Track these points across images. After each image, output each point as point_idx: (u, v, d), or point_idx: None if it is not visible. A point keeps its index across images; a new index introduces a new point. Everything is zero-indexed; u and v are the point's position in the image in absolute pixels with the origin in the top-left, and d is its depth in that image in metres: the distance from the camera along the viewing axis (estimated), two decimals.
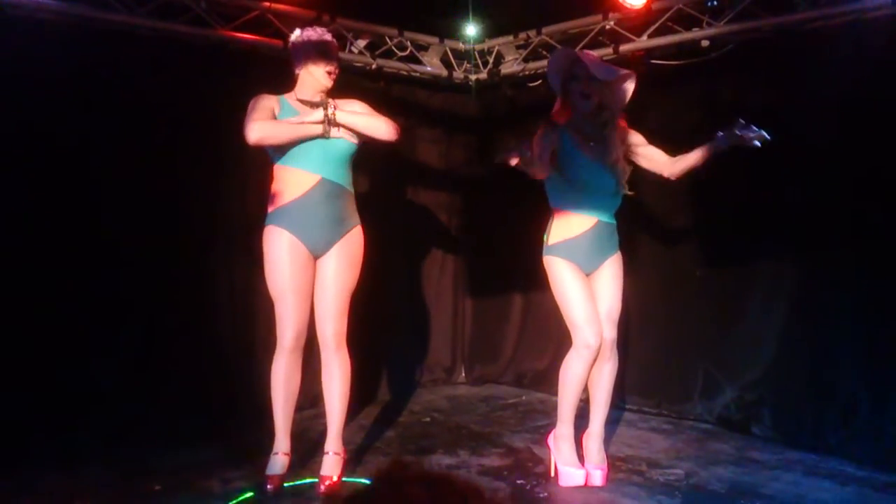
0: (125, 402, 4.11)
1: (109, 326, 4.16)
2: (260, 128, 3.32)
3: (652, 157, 3.65)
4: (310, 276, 3.49)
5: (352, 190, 3.54)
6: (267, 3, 4.51)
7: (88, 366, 4.07)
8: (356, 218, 3.57)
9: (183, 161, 4.35)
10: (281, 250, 3.43)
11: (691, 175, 4.58)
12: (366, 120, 3.50)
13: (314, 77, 3.48)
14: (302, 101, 3.49)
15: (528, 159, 3.30)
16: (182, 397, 4.28)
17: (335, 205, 3.46)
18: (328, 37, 3.55)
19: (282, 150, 3.41)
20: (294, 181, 3.42)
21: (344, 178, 3.49)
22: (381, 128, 3.49)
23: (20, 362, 3.87)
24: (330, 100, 3.44)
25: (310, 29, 3.57)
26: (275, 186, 3.48)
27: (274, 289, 3.49)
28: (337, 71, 3.52)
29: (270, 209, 3.49)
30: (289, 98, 3.53)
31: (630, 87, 3.53)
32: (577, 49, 4.11)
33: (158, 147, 4.26)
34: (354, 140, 3.48)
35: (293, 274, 3.44)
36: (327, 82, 3.49)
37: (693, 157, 3.55)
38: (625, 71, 3.56)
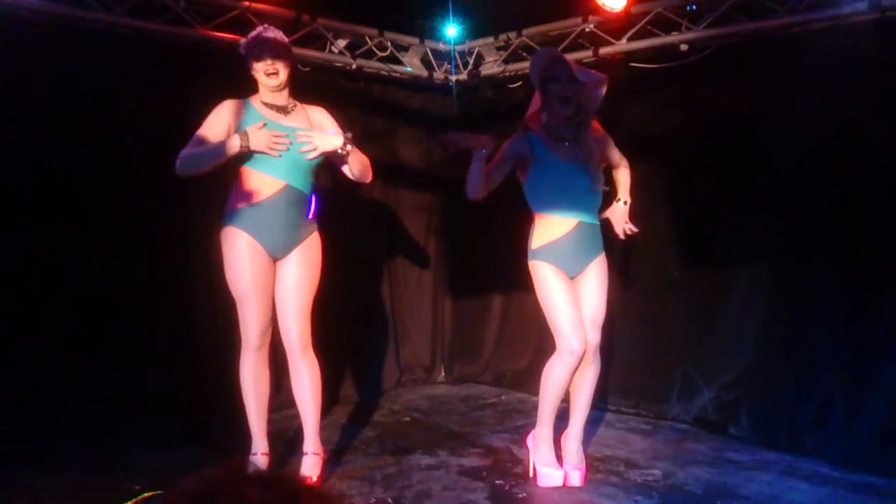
0: (105, 402, 4.08)
1: (90, 327, 4.13)
2: (182, 164, 3.33)
3: (608, 161, 3.76)
4: (270, 278, 3.50)
5: (310, 194, 3.53)
6: (246, 3, 4.49)
7: (69, 367, 4.02)
8: (314, 224, 3.57)
9: (161, 161, 4.29)
10: (241, 251, 3.43)
11: (670, 177, 4.67)
12: (362, 166, 3.57)
13: (258, 79, 3.46)
14: (266, 105, 3.48)
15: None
16: (162, 397, 4.27)
17: (296, 211, 3.46)
18: (270, 34, 3.46)
19: (250, 155, 3.38)
20: (258, 184, 3.41)
21: (308, 185, 3.49)
22: (367, 176, 3.64)
23: (1, 364, 3.84)
24: (349, 134, 3.49)
25: (258, 28, 3.52)
26: (237, 187, 3.45)
27: (235, 289, 3.49)
28: (276, 69, 3.41)
29: (229, 209, 3.47)
30: (254, 101, 3.50)
31: (602, 91, 3.57)
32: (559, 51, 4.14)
33: (137, 146, 4.23)
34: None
35: (253, 275, 3.44)
36: (267, 82, 3.43)
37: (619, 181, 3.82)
38: (599, 74, 3.62)
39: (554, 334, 3.57)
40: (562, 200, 3.57)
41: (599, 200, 3.65)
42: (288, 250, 3.48)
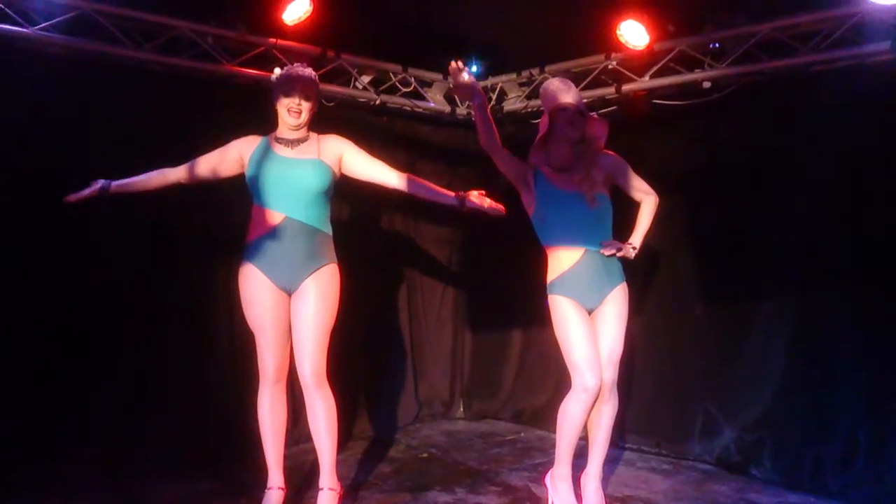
0: (122, 433, 4.10)
1: (107, 357, 4.17)
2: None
3: (630, 191, 3.71)
4: (283, 310, 3.51)
5: (324, 229, 3.53)
6: (273, 40, 4.57)
7: (84, 396, 4.06)
8: (329, 257, 3.55)
9: (187, 194, 4.36)
10: (251, 286, 3.50)
11: (692, 213, 4.65)
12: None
13: (280, 115, 3.51)
14: (278, 139, 3.53)
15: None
16: (179, 429, 4.28)
17: (300, 243, 3.45)
18: (303, 73, 3.52)
19: (255, 190, 3.47)
20: (261, 218, 3.47)
21: (312, 217, 3.48)
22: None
23: (18, 391, 3.88)
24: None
25: (295, 65, 3.58)
26: (250, 223, 3.53)
27: (251, 323, 3.55)
28: (301, 109, 3.47)
29: (246, 243, 3.54)
30: (271, 139, 3.55)
31: (603, 134, 3.57)
32: (580, 87, 4.16)
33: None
34: (324, 181, 3.49)
35: (263, 309, 3.49)
36: (288, 119, 3.48)
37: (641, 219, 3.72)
38: (600, 120, 3.62)
39: (570, 370, 3.55)
40: (565, 230, 3.56)
41: (608, 227, 3.60)
42: (297, 283, 3.47)
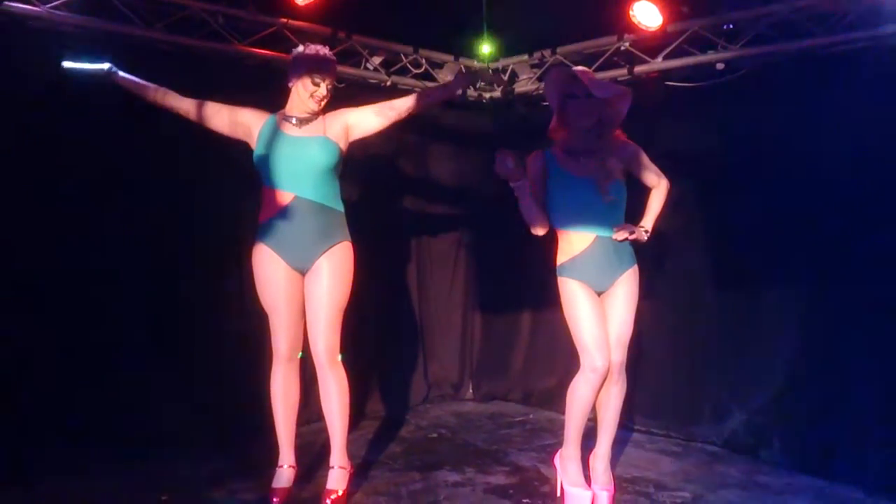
0: (133, 411, 4.13)
1: (119, 336, 4.20)
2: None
3: (643, 181, 3.67)
4: (296, 290, 3.53)
5: (334, 206, 3.53)
6: (284, 20, 4.54)
7: (98, 375, 4.09)
8: (341, 234, 3.55)
9: (197, 173, 4.39)
10: (263, 265, 3.53)
11: (703, 196, 4.63)
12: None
13: (300, 97, 3.50)
14: (286, 118, 3.53)
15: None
16: (191, 407, 4.31)
17: (312, 221, 3.46)
18: (331, 57, 3.55)
19: (264, 170, 3.48)
20: (272, 199, 3.48)
21: (321, 195, 3.48)
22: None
23: (30, 371, 3.92)
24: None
25: (315, 46, 3.57)
26: (261, 203, 3.55)
27: (265, 302, 3.58)
28: (325, 93, 3.49)
29: (259, 224, 3.56)
30: (279, 116, 3.55)
31: (626, 105, 3.54)
32: (592, 69, 4.14)
33: (173, 160, 4.30)
34: (331, 158, 3.48)
35: (277, 288, 3.51)
36: (310, 103, 3.48)
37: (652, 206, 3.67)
38: (622, 88, 3.59)
39: (578, 351, 3.56)
40: (576, 215, 3.55)
41: (620, 214, 3.58)
42: (310, 262, 3.49)
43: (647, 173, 3.65)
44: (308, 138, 3.48)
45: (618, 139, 3.61)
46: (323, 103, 3.51)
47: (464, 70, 3.62)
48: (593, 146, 3.55)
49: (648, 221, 3.64)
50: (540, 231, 3.61)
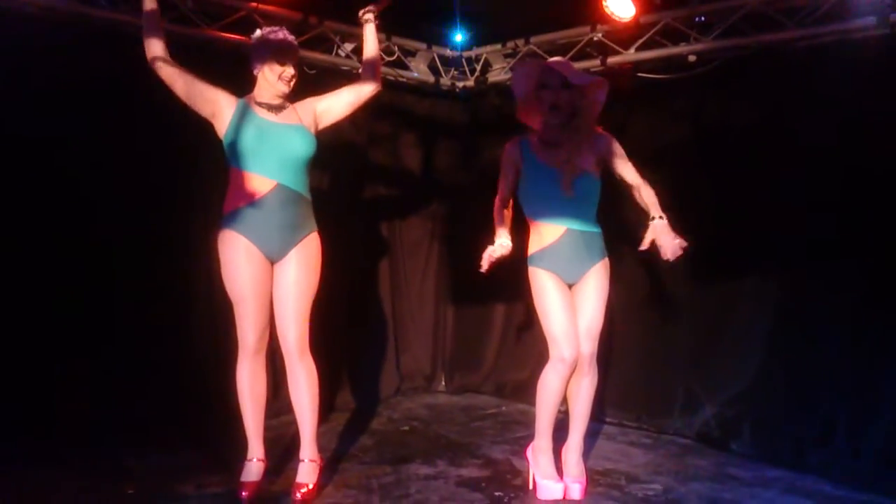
0: (100, 404, 4.06)
1: (87, 328, 4.13)
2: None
3: (621, 177, 3.61)
4: (267, 280, 3.44)
5: (308, 196, 3.49)
6: (254, 4, 4.47)
7: (66, 368, 4.02)
8: (312, 224, 3.51)
9: (164, 159, 4.30)
10: (237, 254, 3.39)
11: (675, 188, 4.60)
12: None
13: (268, 81, 3.43)
14: (260, 104, 3.45)
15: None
16: (158, 401, 4.24)
17: (290, 211, 3.40)
18: (292, 39, 3.49)
19: (240, 155, 3.36)
20: (250, 185, 3.36)
21: (300, 184, 3.43)
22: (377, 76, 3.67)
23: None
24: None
25: (272, 29, 3.50)
26: (231, 188, 3.42)
27: (233, 293, 3.44)
28: (293, 73, 3.44)
29: (226, 211, 3.43)
30: (249, 101, 3.46)
31: (603, 94, 3.51)
32: (566, 59, 4.11)
33: (140, 145, 4.22)
34: (311, 147, 3.44)
35: (251, 278, 3.39)
36: (279, 86, 3.42)
37: (642, 203, 3.57)
38: (597, 77, 3.58)
39: (548, 341, 3.54)
40: (548, 207, 3.52)
41: (590, 209, 3.56)
42: (285, 252, 3.42)
43: (624, 166, 3.59)
44: (288, 126, 3.42)
45: (593, 131, 3.58)
46: (292, 83, 3.44)
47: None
48: (565, 138, 3.51)
49: (656, 210, 3.49)
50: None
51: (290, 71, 3.42)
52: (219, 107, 3.42)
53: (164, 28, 3.48)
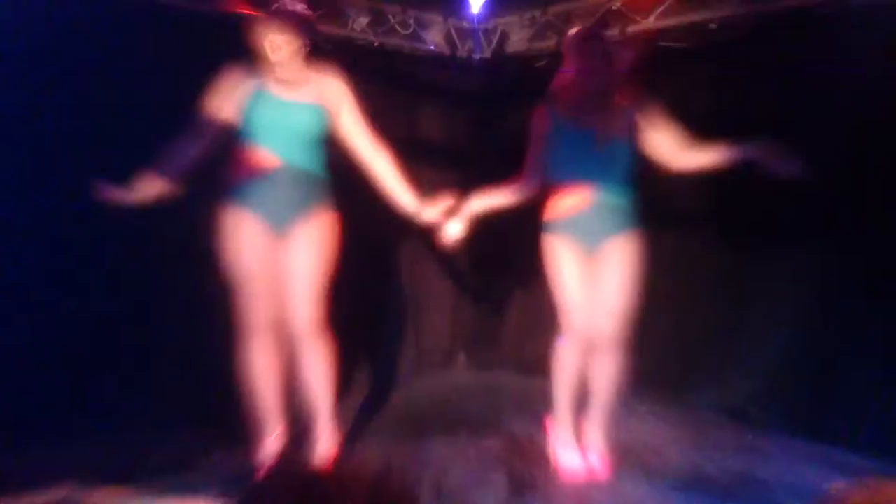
0: (117, 386, 4.07)
1: (101, 310, 4.11)
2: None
3: (658, 144, 3.47)
4: (274, 258, 3.36)
5: (321, 173, 3.41)
6: None
7: (81, 352, 4.02)
8: (325, 202, 3.44)
9: (173, 136, 4.26)
10: (241, 231, 3.32)
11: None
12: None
13: (270, 57, 3.33)
14: (278, 81, 3.35)
15: None
16: (176, 380, 4.23)
17: (300, 188, 3.34)
18: (284, 7, 3.37)
19: (247, 131, 3.31)
20: (255, 162, 3.31)
21: (310, 161, 3.36)
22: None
23: (12, 351, 3.84)
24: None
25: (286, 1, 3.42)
26: (237, 162, 3.36)
27: (238, 271, 3.36)
28: (278, 44, 3.28)
29: (232, 185, 3.36)
30: (268, 79, 3.36)
31: (629, 55, 3.48)
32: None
33: (149, 121, 4.14)
34: (322, 125, 3.37)
35: (254, 256, 3.32)
36: (270, 55, 3.30)
37: (711, 157, 3.43)
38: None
39: (559, 313, 3.50)
40: (573, 169, 3.44)
41: (621, 173, 3.45)
42: (294, 227, 3.35)
43: (660, 143, 3.46)
44: (301, 104, 3.35)
45: (633, 101, 3.49)
46: (280, 53, 3.30)
47: None
48: (601, 103, 3.44)
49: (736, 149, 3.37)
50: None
51: (275, 39, 3.29)
52: (231, 102, 3.35)
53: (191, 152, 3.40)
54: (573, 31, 3.57)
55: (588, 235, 3.45)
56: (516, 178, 3.60)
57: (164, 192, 3.32)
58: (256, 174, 3.31)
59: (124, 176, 3.39)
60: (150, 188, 3.33)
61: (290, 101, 3.35)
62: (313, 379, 3.47)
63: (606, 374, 3.52)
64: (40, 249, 3.98)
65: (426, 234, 5.47)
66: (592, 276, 3.48)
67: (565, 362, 3.51)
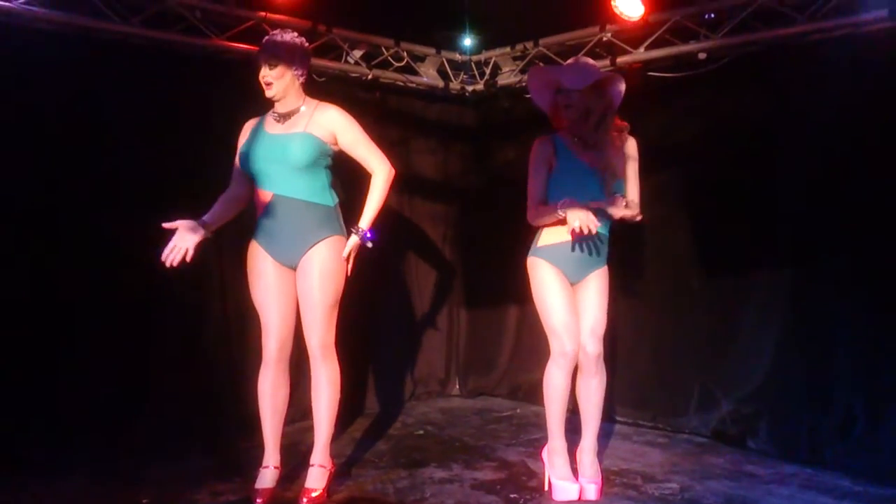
0: (114, 412, 4.07)
1: (102, 334, 4.13)
2: None
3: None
4: (286, 288, 3.49)
5: (319, 201, 3.44)
6: (263, 13, 4.49)
7: (78, 376, 4.03)
8: (330, 228, 3.47)
9: (175, 171, 4.31)
10: (254, 262, 3.51)
11: (687, 186, 4.62)
12: (379, 200, 3.52)
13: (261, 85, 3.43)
14: (272, 115, 3.48)
15: None
16: (172, 408, 4.24)
17: (295, 218, 3.40)
18: (271, 38, 3.42)
19: (247, 171, 3.46)
20: (257, 197, 3.47)
21: (302, 191, 3.40)
22: (387, 185, 3.55)
23: (9, 371, 3.84)
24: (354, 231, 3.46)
25: (276, 32, 3.48)
26: (255, 200, 3.52)
27: (255, 301, 3.54)
28: (269, 81, 3.36)
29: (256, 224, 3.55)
30: (266, 116, 3.49)
31: (621, 88, 3.50)
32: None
33: (152, 157, 4.23)
34: (308, 153, 3.38)
35: (266, 285, 3.48)
36: (265, 92, 3.40)
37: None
38: (603, 72, 3.56)
39: (548, 336, 3.54)
40: (576, 198, 3.47)
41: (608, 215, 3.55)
42: (298, 257, 3.44)
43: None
44: (286, 135, 3.40)
45: (624, 137, 3.57)
46: (274, 88, 3.36)
47: None
48: (593, 138, 3.51)
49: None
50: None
51: (263, 71, 3.36)
52: (240, 145, 3.52)
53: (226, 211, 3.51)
54: (533, 70, 3.65)
55: (574, 267, 3.54)
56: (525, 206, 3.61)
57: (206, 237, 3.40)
58: (260, 210, 3.47)
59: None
60: (203, 232, 3.38)
61: (277, 135, 3.42)
62: (316, 403, 3.53)
63: (595, 397, 3.59)
64: (42, 262, 4.00)
65: (421, 264, 5.54)
66: (576, 300, 3.56)
67: (555, 384, 3.54)
